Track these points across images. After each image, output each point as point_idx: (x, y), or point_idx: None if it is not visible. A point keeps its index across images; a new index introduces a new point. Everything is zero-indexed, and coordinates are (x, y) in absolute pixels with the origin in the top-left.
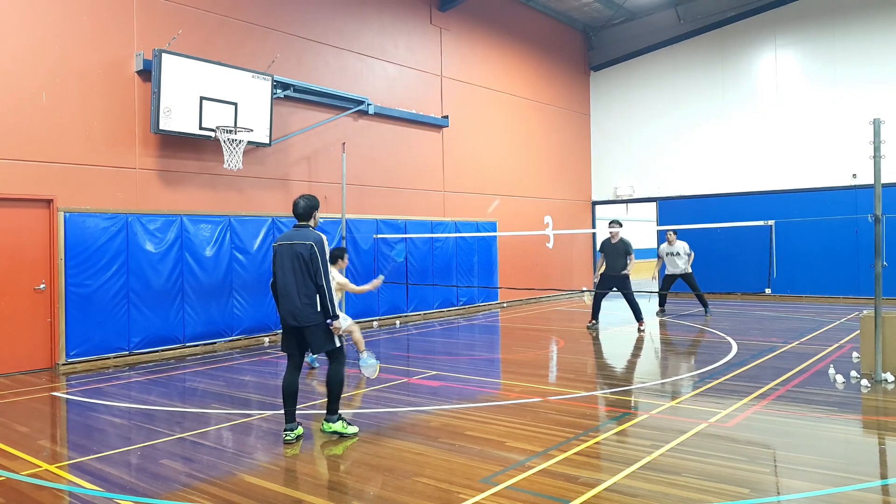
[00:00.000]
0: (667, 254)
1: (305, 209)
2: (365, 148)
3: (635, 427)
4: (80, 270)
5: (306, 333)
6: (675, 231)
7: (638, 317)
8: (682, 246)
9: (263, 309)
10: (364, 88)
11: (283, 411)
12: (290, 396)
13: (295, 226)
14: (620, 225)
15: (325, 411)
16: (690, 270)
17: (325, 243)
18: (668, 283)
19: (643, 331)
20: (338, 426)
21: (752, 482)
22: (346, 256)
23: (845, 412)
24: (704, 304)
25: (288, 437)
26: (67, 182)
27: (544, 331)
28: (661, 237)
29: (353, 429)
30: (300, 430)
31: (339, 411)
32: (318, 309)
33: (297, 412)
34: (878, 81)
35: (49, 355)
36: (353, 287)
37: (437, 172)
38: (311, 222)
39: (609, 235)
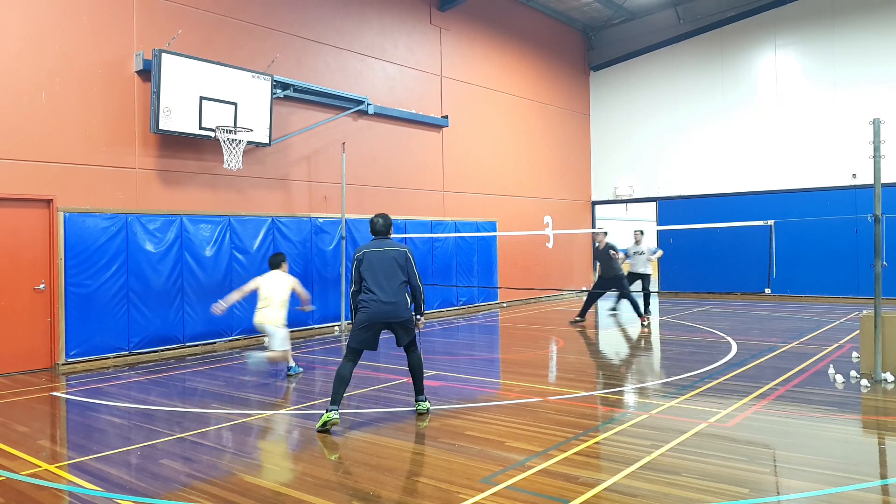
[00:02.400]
0: (633, 252)
1: (384, 226)
2: (365, 148)
3: (635, 427)
4: (79, 270)
5: (397, 327)
6: (641, 231)
7: (639, 312)
8: (647, 245)
9: None
10: (364, 88)
11: (282, 411)
12: (346, 384)
13: (375, 238)
14: (605, 233)
15: (331, 407)
16: (650, 271)
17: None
18: (631, 281)
19: (647, 325)
20: (427, 404)
21: (752, 482)
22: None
23: (845, 412)
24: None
25: (335, 417)
26: (67, 182)
27: (544, 331)
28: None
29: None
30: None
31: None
32: (409, 306)
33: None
34: (878, 81)
35: (49, 355)
36: (301, 289)
37: (436, 172)
38: (389, 235)
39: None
